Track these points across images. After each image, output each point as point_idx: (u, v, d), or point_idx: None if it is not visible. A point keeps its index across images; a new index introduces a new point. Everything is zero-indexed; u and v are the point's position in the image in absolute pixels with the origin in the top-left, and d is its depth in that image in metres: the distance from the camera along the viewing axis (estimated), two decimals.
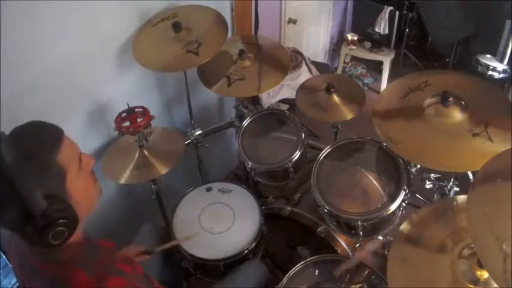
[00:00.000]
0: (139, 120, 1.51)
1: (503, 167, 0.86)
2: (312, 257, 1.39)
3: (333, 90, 1.71)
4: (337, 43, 3.69)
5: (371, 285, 1.31)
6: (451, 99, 1.26)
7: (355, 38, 3.48)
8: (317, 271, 1.37)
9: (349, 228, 1.50)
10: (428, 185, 1.57)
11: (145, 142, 1.57)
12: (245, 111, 1.97)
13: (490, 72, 2.89)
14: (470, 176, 1.41)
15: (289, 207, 1.68)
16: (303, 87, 1.85)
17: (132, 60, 1.58)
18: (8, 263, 1.35)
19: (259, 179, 1.78)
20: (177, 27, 1.60)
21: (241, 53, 1.74)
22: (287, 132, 1.77)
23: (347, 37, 3.52)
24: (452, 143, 1.24)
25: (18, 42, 1.25)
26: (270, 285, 1.51)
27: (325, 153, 1.56)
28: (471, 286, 0.90)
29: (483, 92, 1.37)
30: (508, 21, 2.65)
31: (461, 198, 1.07)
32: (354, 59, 3.70)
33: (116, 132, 1.52)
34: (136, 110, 1.52)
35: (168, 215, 1.82)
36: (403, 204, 1.41)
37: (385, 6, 3.28)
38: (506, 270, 0.70)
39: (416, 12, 3.32)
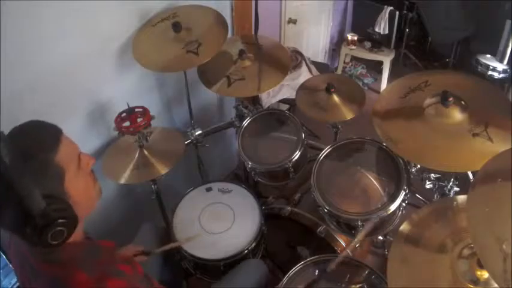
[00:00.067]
0: (139, 120, 1.51)
1: (503, 167, 0.86)
2: (312, 257, 1.39)
3: (333, 90, 1.71)
4: (337, 43, 3.69)
5: (371, 285, 1.31)
6: (451, 99, 1.26)
7: (355, 38, 3.48)
8: (317, 271, 1.37)
9: (349, 228, 1.50)
10: (428, 185, 1.57)
11: (145, 142, 1.57)
12: (245, 111, 1.97)
13: (490, 72, 2.89)
14: (470, 176, 1.41)
15: (289, 207, 1.68)
16: (303, 87, 1.85)
17: (132, 60, 1.58)
18: (8, 263, 1.35)
19: (259, 179, 1.78)
20: (177, 27, 1.60)
21: (241, 53, 1.74)
22: (287, 132, 1.77)
23: (347, 37, 3.52)
24: (452, 143, 1.24)
25: (18, 42, 1.25)
26: (270, 285, 1.51)
27: (325, 153, 1.56)
28: (471, 286, 0.90)
29: (483, 92, 1.37)
30: (508, 21, 2.65)
31: (461, 198, 1.07)
32: (354, 59, 3.70)
33: (116, 132, 1.52)
34: (136, 110, 1.52)
35: (168, 215, 1.82)
36: (403, 204, 1.41)
37: (385, 6, 3.28)
38: (506, 270, 0.70)
39: (416, 12, 3.32)
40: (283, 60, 1.82)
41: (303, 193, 1.76)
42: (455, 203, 1.08)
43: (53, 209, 0.77)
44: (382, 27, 3.32)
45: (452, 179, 1.51)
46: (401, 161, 1.44)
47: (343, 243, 1.58)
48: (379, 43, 3.45)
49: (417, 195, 1.77)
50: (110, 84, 1.64)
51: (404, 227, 1.06)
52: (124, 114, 1.51)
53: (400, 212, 1.45)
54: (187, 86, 1.78)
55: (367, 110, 1.52)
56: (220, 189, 1.75)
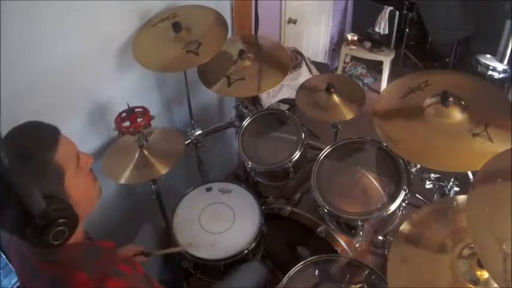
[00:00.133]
0: (139, 120, 1.51)
1: (503, 167, 0.86)
2: (312, 257, 1.39)
3: (333, 90, 1.71)
4: (337, 43, 3.69)
5: (371, 285, 1.31)
6: (451, 99, 1.26)
7: (355, 38, 3.48)
8: (317, 271, 1.37)
9: (349, 228, 1.50)
10: (428, 185, 1.57)
11: (145, 142, 1.57)
12: (245, 111, 1.97)
13: (490, 72, 2.89)
14: (470, 176, 1.41)
15: (289, 207, 1.68)
16: (303, 87, 1.85)
17: (132, 60, 1.58)
18: (8, 263, 1.35)
19: (259, 179, 1.78)
20: (177, 27, 1.60)
21: (241, 53, 1.74)
22: (287, 132, 1.77)
23: (347, 37, 3.52)
24: (452, 143, 1.24)
25: (18, 42, 1.25)
26: (270, 285, 1.51)
27: (325, 153, 1.56)
28: (471, 286, 0.90)
29: (483, 92, 1.37)
30: (508, 21, 2.65)
31: (461, 198, 1.07)
32: (354, 59, 3.70)
33: (116, 132, 1.51)
34: (136, 110, 1.52)
35: (168, 215, 1.82)
36: (403, 204, 1.41)
37: (385, 6, 3.28)
38: (506, 270, 0.70)
39: (416, 12, 3.32)
40: (283, 60, 1.82)
41: (303, 193, 1.75)
42: (455, 203, 1.08)
43: (53, 209, 0.77)
44: (382, 27, 3.32)
45: (452, 179, 1.51)
46: (401, 161, 1.44)
47: (343, 243, 1.58)
48: (379, 43, 3.45)
49: (417, 195, 1.77)
50: (110, 84, 1.64)
51: (404, 227, 1.06)
52: (124, 114, 1.51)
53: (400, 212, 1.45)
54: (187, 86, 1.78)
55: (367, 110, 1.52)
56: (220, 189, 1.75)
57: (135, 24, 1.65)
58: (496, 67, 2.86)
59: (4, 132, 0.84)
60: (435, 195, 1.57)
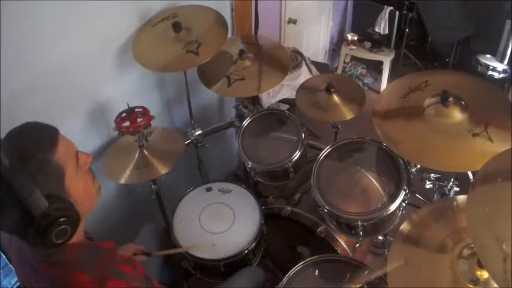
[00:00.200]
0: (139, 120, 1.51)
1: (503, 167, 0.86)
2: (312, 257, 1.39)
3: (333, 90, 1.70)
4: (337, 43, 3.69)
5: (371, 285, 1.31)
6: (451, 99, 1.26)
7: (355, 38, 3.48)
8: (317, 271, 1.37)
9: (349, 228, 1.49)
10: (428, 185, 1.57)
11: (145, 142, 1.57)
12: (245, 111, 1.97)
13: (490, 72, 2.89)
14: (470, 176, 1.41)
15: (289, 207, 1.68)
16: (303, 87, 1.85)
17: (132, 60, 1.58)
18: (8, 263, 1.35)
19: (259, 179, 1.78)
20: (177, 27, 1.59)
21: (241, 53, 1.74)
22: (287, 132, 1.77)
23: (347, 37, 3.52)
24: (452, 143, 1.24)
25: (18, 42, 1.25)
26: (270, 285, 1.51)
27: (325, 153, 1.56)
28: (471, 286, 0.90)
29: (483, 92, 1.36)
30: (508, 21, 2.66)
31: (461, 198, 1.07)
32: (354, 59, 3.70)
33: (116, 132, 1.51)
34: (136, 110, 1.52)
35: (168, 215, 1.82)
36: (403, 204, 1.41)
37: (385, 6, 3.28)
38: (506, 270, 0.70)
39: (416, 12, 3.32)
40: (283, 60, 1.82)
41: (303, 193, 1.75)
42: (455, 203, 1.07)
43: (55, 208, 0.78)
44: (382, 27, 3.32)
45: (452, 179, 1.51)
46: (401, 161, 1.44)
47: (343, 243, 1.58)
48: (379, 43, 3.46)
49: (417, 195, 1.77)
50: (110, 84, 1.64)
51: (404, 227, 1.06)
52: (124, 114, 1.51)
53: (400, 212, 1.45)
54: (187, 86, 1.78)
55: (367, 110, 1.51)
56: (220, 189, 1.75)
57: (135, 24, 1.65)
58: (496, 67, 2.86)
59: (4, 132, 0.84)
60: (435, 195, 1.57)
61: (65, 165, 0.84)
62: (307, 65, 2.65)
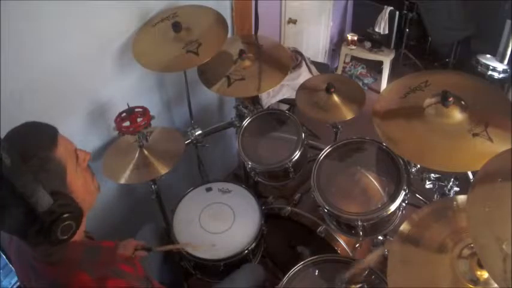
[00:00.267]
0: (139, 120, 1.51)
1: (503, 167, 0.86)
2: (312, 257, 1.39)
3: (333, 90, 1.70)
4: (337, 43, 3.69)
5: (371, 285, 1.31)
6: (451, 99, 1.26)
7: (355, 38, 3.48)
8: (317, 271, 1.37)
9: (349, 228, 1.49)
10: (428, 185, 1.57)
11: (145, 142, 1.57)
12: (245, 111, 1.97)
13: (490, 72, 2.89)
14: (470, 176, 1.41)
15: (289, 207, 1.68)
16: (303, 87, 1.85)
17: (132, 60, 1.58)
18: (8, 263, 1.35)
19: (259, 179, 1.78)
20: (177, 27, 1.59)
21: (241, 53, 1.74)
22: (287, 132, 1.77)
23: (347, 37, 3.52)
24: (452, 143, 1.24)
25: (18, 42, 1.25)
26: (270, 285, 1.51)
27: (325, 153, 1.56)
28: (471, 286, 0.90)
29: (483, 92, 1.36)
30: (508, 21, 2.66)
31: (461, 198, 1.07)
32: (354, 59, 3.70)
33: (116, 132, 1.52)
34: (136, 110, 1.52)
35: (168, 215, 1.82)
36: (403, 204, 1.41)
37: (385, 6, 3.28)
38: (506, 270, 0.70)
39: (416, 12, 3.32)
40: (283, 60, 1.82)
41: (303, 193, 1.75)
42: (455, 203, 1.07)
43: (59, 205, 0.79)
44: (382, 27, 3.32)
45: (452, 179, 1.51)
46: (401, 161, 1.44)
47: (343, 243, 1.58)
48: (379, 43, 3.46)
49: (417, 195, 1.77)
50: (110, 84, 1.64)
51: (404, 227, 1.06)
52: (124, 114, 1.51)
53: (400, 212, 1.45)
54: (187, 86, 1.78)
55: (367, 110, 1.51)
56: (220, 189, 1.75)
57: (135, 24, 1.65)
58: (496, 67, 2.86)
59: (4, 133, 0.84)
60: (435, 195, 1.57)
61: (66, 161, 0.85)
62: (307, 65, 2.65)
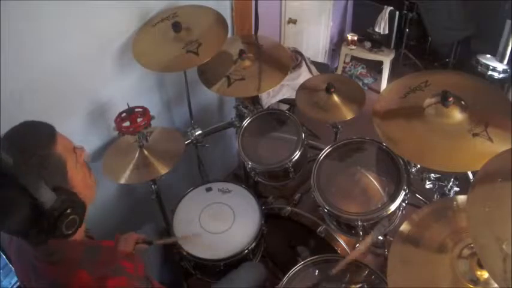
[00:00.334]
0: (139, 120, 1.51)
1: (503, 167, 0.86)
2: (312, 257, 1.39)
3: (333, 90, 1.70)
4: (337, 43, 3.69)
5: (371, 285, 1.31)
6: (451, 99, 1.26)
7: (355, 38, 3.48)
8: (317, 271, 1.37)
9: (349, 228, 1.50)
10: (428, 185, 1.56)
11: (145, 142, 1.57)
12: (245, 111, 1.97)
13: (490, 72, 2.89)
14: (470, 176, 1.41)
15: (289, 207, 1.68)
16: (303, 87, 1.85)
17: (132, 60, 1.58)
18: (8, 263, 1.35)
19: (259, 179, 1.78)
20: (177, 27, 1.59)
21: (241, 53, 1.74)
22: (287, 132, 1.77)
23: (347, 37, 3.52)
24: (452, 143, 1.24)
25: (18, 42, 1.25)
26: (270, 285, 1.51)
27: (325, 153, 1.56)
28: (471, 286, 0.90)
29: (483, 92, 1.36)
30: (508, 21, 2.65)
31: (461, 198, 1.07)
32: (354, 59, 3.70)
33: (116, 132, 1.52)
34: (136, 110, 1.52)
35: (168, 215, 1.82)
36: (403, 204, 1.41)
37: (385, 6, 3.28)
38: (506, 270, 0.70)
39: (416, 12, 3.32)
40: (283, 60, 1.82)
41: (303, 193, 1.75)
42: (455, 203, 1.07)
43: (62, 200, 0.80)
44: (382, 27, 3.32)
45: (452, 179, 1.51)
46: (401, 161, 1.44)
47: (343, 243, 1.58)
48: (379, 43, 3.45)
49: (417, 195, 1.77)
50: (110, 84, 1.64)
51: (404, 227, 1.06)
52: (124, 114, 1.51)
53: (400, 212, 1.45)
54: (187, 86, 1.78)
55: (367, 110, 1.51)
56: (220, 189, 1.75)
57: (135, 24, 1.65)
58: (496, 67, 2.86)
59: (4, 133, 0.85)
60: (435, 195, 1.57)
61: (66, 158, 0.86)
62: (307, 65, 2.65)
